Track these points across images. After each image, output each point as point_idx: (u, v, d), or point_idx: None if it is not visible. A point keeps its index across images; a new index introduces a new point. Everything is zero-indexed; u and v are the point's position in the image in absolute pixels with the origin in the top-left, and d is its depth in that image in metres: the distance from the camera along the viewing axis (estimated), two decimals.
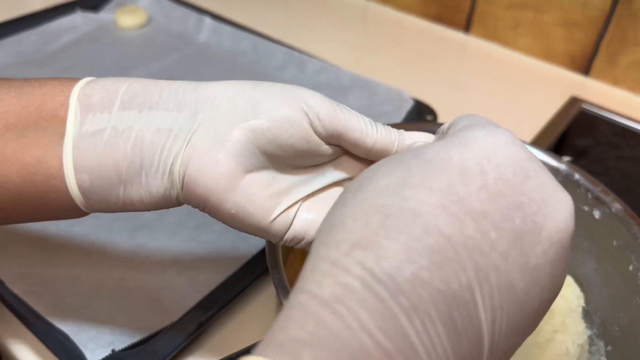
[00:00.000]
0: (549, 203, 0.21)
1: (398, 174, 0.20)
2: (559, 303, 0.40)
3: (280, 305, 0.32)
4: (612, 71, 0.69)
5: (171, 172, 0.27)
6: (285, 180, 0.28)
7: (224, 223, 0.28)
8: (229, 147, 0.26)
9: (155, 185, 0.27)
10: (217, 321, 0.41)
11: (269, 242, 0.33)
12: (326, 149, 0.28)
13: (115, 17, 0.74)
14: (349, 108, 0.28)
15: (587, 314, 0.40)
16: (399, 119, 0.59)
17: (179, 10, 0.75)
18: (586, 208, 0.39)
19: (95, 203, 0.28)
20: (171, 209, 0.29)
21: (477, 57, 0.74)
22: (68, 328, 0.38)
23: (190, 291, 0.42)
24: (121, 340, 0.38)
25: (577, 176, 0.40)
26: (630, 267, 0.36)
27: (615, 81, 0.70)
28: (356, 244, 0.18)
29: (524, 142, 0.40)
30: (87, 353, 0.36)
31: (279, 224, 0.28)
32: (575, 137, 0.68)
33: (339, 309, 0.17)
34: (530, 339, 0.39)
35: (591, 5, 0.67)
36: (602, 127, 0.67)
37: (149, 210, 0.29)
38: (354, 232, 0.19)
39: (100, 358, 0.36)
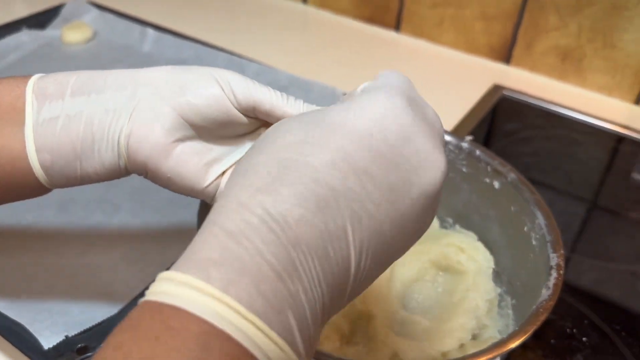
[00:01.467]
0: (423, 165, 0.25)
1: (301, 133, 0.24)
2: (471, 266, 0.45)
3: None
4: (530, 58, 0.75)
5: (118, 144, 0.31)
6: (214, 150, 0.33)
7: (164, 187, 0.33)
8: (162, 120, 0.31)
9: (107, 157, 0.32)
10: None
11: (203, 201, 0.38)
12: (244, 120, 0.32)
13: (62, 34, 0.76)
14: (263, 85, 0.32)
15: (497, 274, 0.45)
16: None
17: (123, 24, 0.78)
18: (487, 180, 0.44)
19: (57, 179, 0.32)
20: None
21: (407, 54, 0.79)
22: (24, 320, 0.41)
23: (139, 282, 0.45)
24: (74, 328, 0.41)
25: (477, 152, 0.45)
26: (525, 229, 0.42)
27: (534, 67, 0.76)
28: (260, 189, 0.22)
29: (446, 132, 0.45)
30: (42, 340, 0.39)
31: (212, 188, 0.33)
32: (503, 122, 0.74)
33: (242, 239, 0.21)
34: (446, 298, 0.44)
35: None
36: (525, 111, 0.73)
37: (103, 180, 0.33)
38: (259, 179, 0.23)
39: (55, 343, 0.39)
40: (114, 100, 0.31)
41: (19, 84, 0.32)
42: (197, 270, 0.20)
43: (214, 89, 0.31)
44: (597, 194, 0.67)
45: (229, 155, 0.33)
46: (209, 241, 0.21)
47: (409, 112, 0.25)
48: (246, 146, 0.34)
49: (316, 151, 0.23)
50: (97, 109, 0.31)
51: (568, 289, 0.51)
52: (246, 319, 0.20)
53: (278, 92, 0.32)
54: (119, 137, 0.31)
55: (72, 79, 0.32)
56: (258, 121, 0.33)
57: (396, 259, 0.26)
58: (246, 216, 0.22)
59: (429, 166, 0.25)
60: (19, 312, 0.42)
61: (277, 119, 0.32)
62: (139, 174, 0.33)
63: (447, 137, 0.46)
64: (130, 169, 0.33)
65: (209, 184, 0.33)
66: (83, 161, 0.32)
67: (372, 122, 0.24)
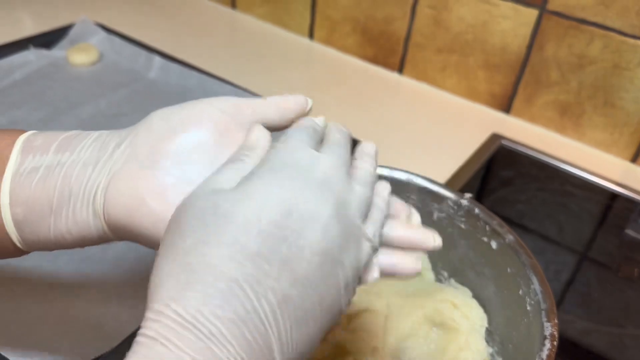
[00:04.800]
0: (306, 227, 0.26)
1: (199, 232, 0.26)
2: (464, 324, 0.45)
3: None
4: (530, 110, 0.76)
5: (94, 200, 0.30)
6: None
7: (147, 244, 0.31)
8: (145, 166, 0.30)
9: (81, 214, 0.30)
10: None
11: None
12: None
13: (68, 54, 0.77)
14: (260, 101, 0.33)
15: (490, 333, 0.45)
16: None
17: (130, 48, 0.79)
18: (485, 239, 0.45)
19: (29, 236, 0.31)
20: (113, 243, 0.32)
21: (409, 96, 0.80)
22: (14, 355, 0.40)
23: (131, 318, 0.45)
24: None
25: (476, 210, 0.45)
26: (520, 292, 0.42)
27: (533, 119, 0.77)
28: (171, 298, 0.25)
29: (446, 187, 0.45)
30: None
31: None
32: (500, 169, 0.74)
33: (164, 342, 0.24)
34: (438, 356, 0.44)
35: (509, 50, 0.74)
36: (522, 160, 0.74)
37: (77, 243, 0.31)
38: (170, 289, 0.25)
39: None
40: (96, 154, 0.31)
41: (13, 135, 0.32)
42: None
43: (203, 129, 0.31)
44: (589, 246, 0.68)
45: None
46: (140, 348, 0.24)
47: (290, 186, 0.27)
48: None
49: (213, 250, 0.25)
50: (77, 163, 0.30)
51: None
52: None
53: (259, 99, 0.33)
54: (95, 192, 0.30)
55: (61, 135, 0.32)
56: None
57: (325, 323, 0.27)
58: (165, 322, 0.24)
59: (311, 225, 0.27)
60: (8, 345, 0.41)
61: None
62: (116, 235, 0.31)
63: (447, 193, 0.47)
64: (108, 226, 0.31)
65: None
66: (57, 217, 0.30)
67: (260, 207, 0.26)
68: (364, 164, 0.32)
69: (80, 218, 0.30)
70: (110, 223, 0.30)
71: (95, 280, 0.48)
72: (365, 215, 0.30)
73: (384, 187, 0.33)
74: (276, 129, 0.34)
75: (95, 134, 0.32)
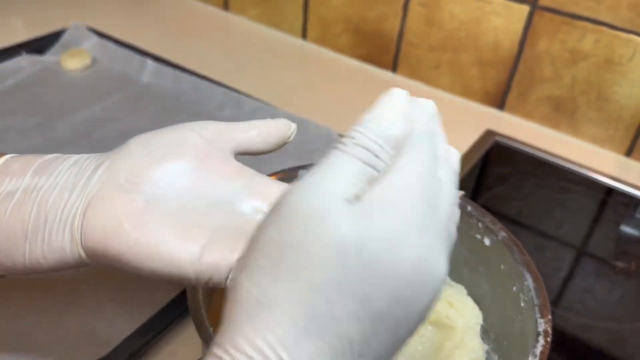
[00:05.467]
0: (422, 295, 0.23)
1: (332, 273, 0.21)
2: (459, 322, 0.45)
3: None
4: (524, 106, 0.76)
5: (72, 225, 0.29)
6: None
7: (131, 271, 0.30)
8: (124, 190, 0.29)
9: (57, 240, 0.29)
10: (150, 351, 0.45)
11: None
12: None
13: (61, 60, 0.77)
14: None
15: (485, 331, 0.45)
16: None
17: (123, 53, 0.78)
18: (478, 236, 0.45)
19: (3, 260, 0.30)
20: None
21: None
22: None
23: (124, 324, 0.45)
24: None
25: (469, 208, 0.45)
26: (514, 288, 0.42)
27: (527, 115, 0.77)
28: (279, 340, 0.21)
29: None
30: None
31: (207, 265, 0.29)
32: (496, 166, 0.74)
33: None
34: (433, 354, 0.44)
35: (501, 47, 0.74)
36: (517, 157, 0.74)
37: (52, 269, 0.30)
38: (279, 325, 0.21)
39: None
40: (73, 178, 0.30)
41: None
42: None
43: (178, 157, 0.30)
44: (586, 242, 0.68)
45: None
46: None
47: (425, 230, 0.23)
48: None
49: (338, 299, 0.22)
50: (54, 188, 0.29)
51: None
52: None
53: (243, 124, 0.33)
54: (73, 216, 0.29)
55: (39, 159, 0.31)
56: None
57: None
58: None
59: (426, 293, 0.23)
60: (2, 352, 0.41)
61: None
62: (93, 260, 0.30)
63: None
64: (85, 251, 0.29)
65: (200, 258, 0.28)
66: (32, 243, 0.29)
67: (389, 258, 0.22)
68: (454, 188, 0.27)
69: (56, 244, 0.29)
70: (87, 248, 0.29)
71: (90, 285, 0.48)
72: None
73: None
74: (258, 154, 0.34)
75: (73, 157, 0.32)
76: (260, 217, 0.27)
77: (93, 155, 0.32)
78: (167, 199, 0.30)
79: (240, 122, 0.33)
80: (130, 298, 0.47)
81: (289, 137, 0.35)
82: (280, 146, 0.35)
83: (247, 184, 0.32)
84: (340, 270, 0.21)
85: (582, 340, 0.53)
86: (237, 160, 0.34)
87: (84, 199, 0.29)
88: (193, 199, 0.30)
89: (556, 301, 0.56)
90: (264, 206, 0.31)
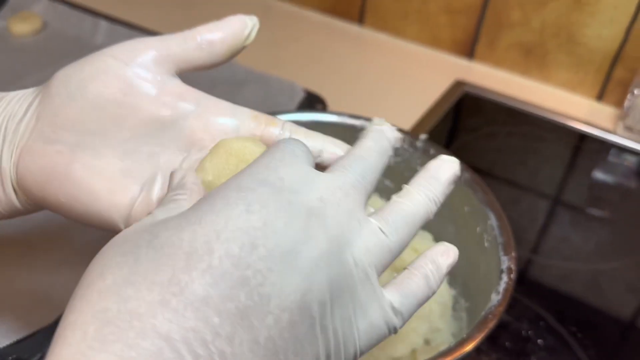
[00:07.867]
0: (277, 269, 0.20)
1: (125, 268, 0.20)
2: None
3: None
4: (494, 54, 0.74)
5: (9, 178, 0.28)
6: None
7: (65, 215, 0.29)
8: (49, 141, 0.27)
9: (4, 192, 0.28)
10: None
11: None
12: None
13: (8, 24, 0.73)
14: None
15: (453, 276, 0.44)
16: (292, 109, 0.62)
17: (75, 15, 0.75)
18: None
19: None
20: None
21: (370, 48, 0.77)
22: None
23: None
24: (8, 338, 0.39)
25: (432, 151, 0.43)
26: (478, 229, 0.40)
27: (497, 63, 0.75)
28: None
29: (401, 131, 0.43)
30: None
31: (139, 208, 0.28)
32: (466, 117, 0.73)
33: None
34: None
35: None
36: (488, 107, 0.72)
37: (11, 216, 0.30)
38: (70, 346, 0.18)
39: None
40: (7, 125, 0.28)
41: None
42: None
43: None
44: (561, 190, 0.67)
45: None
46: None
47: (258, 210, 0.20)
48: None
49: (142, 292, 0.19)
50: None
51: (526, 290, 0.50)
52: None
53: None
54: (9, 171, 0.28)
55: None
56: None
57: None
58: None
59: (283, 268, 0.20)
60: None
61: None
62: (39, 207, 0.29)
63: (402, 136, 0.45)
64: (29, 203, 0.29)
65: (134, 202, 0.27)
66: None
67: (213, 235, 0.20)
68: (414, 196, 0.25)
69: (4, 197, 0.29)
70: (29, 199, 0.29)
71: (42, 248, 0.46)
72: (383, 270, 0.23)
73: (443, 252, 0.26)
74: (206, 68, 0.30)
75: (6, 98, 0.29)
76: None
77: (22, 92, 0.29)
78: (94, 143, 0.28)
79: (178, 33, 0.28)
80: (86, 260, 0.45)
81: (246, 38, 0.29)
82: (235, 53, 0.29)
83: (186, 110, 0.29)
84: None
85: (555, 291, 0.52)
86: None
87: (15, 150, 0.28)
88: (123, 140, 0.28)
89: (535, 251, 0.55)
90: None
